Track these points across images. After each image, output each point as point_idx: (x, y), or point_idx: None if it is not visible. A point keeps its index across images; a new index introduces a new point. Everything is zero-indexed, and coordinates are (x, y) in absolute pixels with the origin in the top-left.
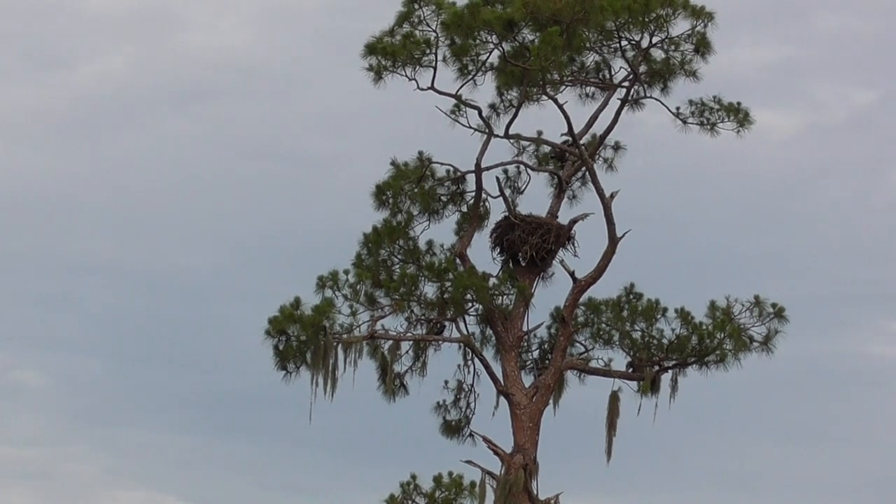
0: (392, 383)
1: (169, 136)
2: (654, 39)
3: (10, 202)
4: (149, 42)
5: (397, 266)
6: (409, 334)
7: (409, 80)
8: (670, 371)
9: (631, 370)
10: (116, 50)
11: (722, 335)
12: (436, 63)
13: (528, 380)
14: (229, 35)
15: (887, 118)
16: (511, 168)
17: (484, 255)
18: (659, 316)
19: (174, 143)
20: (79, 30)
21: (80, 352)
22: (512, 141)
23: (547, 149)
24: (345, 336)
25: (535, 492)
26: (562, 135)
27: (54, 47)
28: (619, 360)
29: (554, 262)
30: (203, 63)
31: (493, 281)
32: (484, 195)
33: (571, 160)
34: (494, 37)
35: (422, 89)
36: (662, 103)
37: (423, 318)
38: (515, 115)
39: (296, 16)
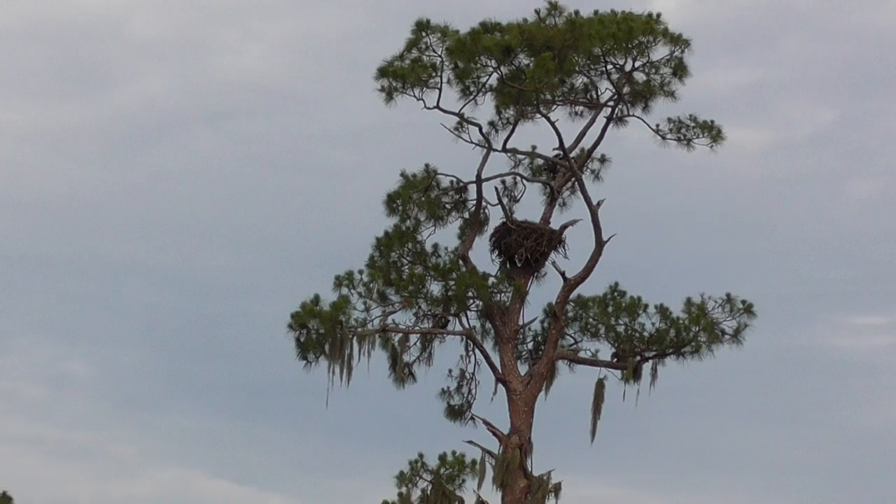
0: (402, 372)
1: (201, 150)
2: (637, 63)
3: (57, 210)
4: (183, 65)
5: (406, 267)
6: (416, 328)
7: (417, 99)
8: (651, 361)
9: (615, 360)
10: (154, 72)
11: (697, 329)
12: (441, 84)
13: (523, 368)
14: (257, 60)
15: (848, 134)
16: (508, 179)
17: (484, 257)
18: (640, 311)
19: (206, 156)
20: (120, 54)
21: (123, 345)
22: (509, 154)
23: (540, 161)
24: (359, 329)
25: (529, 469)
26: (553, 149)
27: (97, 70)
28: (605, 351)
29: (546, 263)
30: (233, 84)
31: (492, 280)
32: (484, 203)
33: (562, 172)
34: (493, 61)
35: (428, 108)
36: (644, 121)
37: (429, 313)
38: (512, 132)
39: (316, 43)
